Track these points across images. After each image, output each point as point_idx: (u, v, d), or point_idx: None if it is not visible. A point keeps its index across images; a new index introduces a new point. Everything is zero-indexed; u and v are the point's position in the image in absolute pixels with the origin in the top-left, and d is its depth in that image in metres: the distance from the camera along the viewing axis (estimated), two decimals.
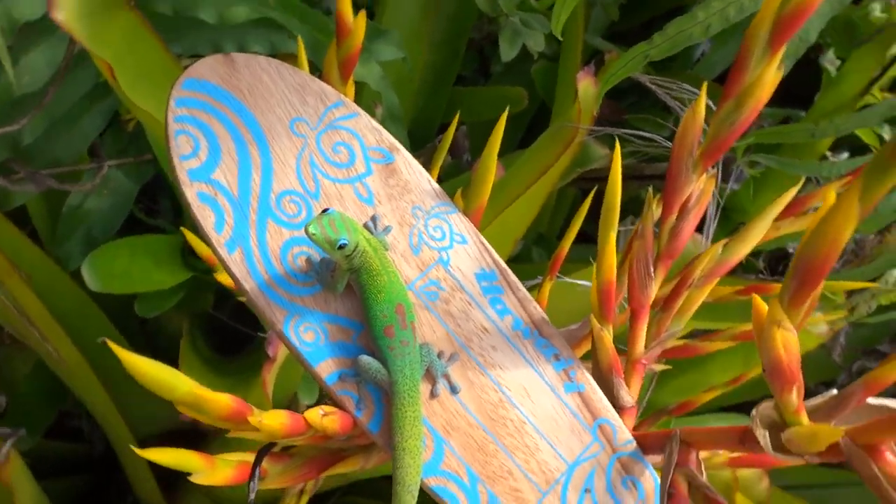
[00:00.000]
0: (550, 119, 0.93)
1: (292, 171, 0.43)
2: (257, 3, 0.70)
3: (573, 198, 1.07)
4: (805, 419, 0.33)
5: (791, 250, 0.94)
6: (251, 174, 0.42)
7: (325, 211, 0.40)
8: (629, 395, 0.48)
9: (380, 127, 0.45)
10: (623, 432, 0.46)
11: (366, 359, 0.41)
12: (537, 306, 0.46)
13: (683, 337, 0.54)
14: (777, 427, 0.32)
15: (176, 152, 0.41)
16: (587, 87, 0.78)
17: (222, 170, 0.42)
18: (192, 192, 0.41)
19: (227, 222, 0.41)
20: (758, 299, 0.31)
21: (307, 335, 0.41)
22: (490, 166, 0.45)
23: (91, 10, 0.67)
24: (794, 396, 0.31)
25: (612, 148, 0.52)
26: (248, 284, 0.41)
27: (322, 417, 0.36)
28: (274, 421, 0.34)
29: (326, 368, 0.41)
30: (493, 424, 0.43)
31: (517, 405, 0.44)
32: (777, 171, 0.84)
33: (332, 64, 0.48)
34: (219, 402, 0.30)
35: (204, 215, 0.41)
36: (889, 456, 0.30)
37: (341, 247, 0.39)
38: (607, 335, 0.46)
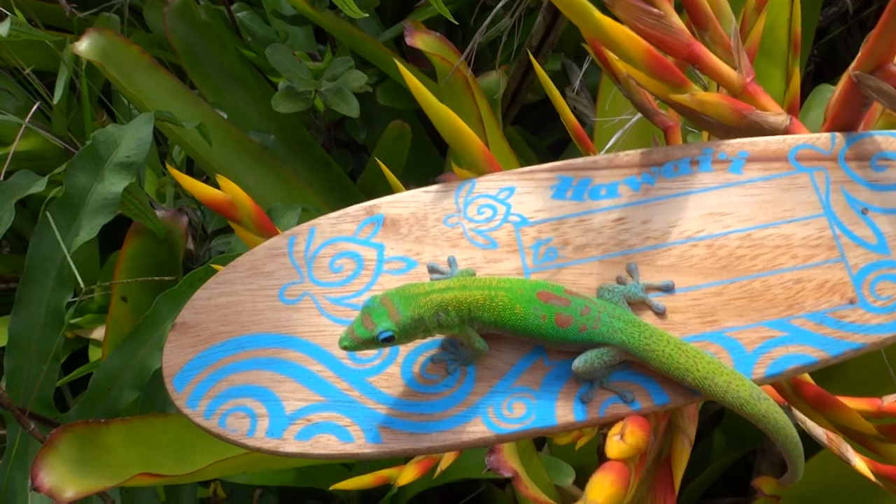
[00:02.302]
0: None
1: (331, 326, 0.35)
2: None
3: None
4: None
5: None
6: (312, 371, 0.34)
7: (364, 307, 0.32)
8: (778, 114, 0.39)
9: (336, 214, 0.37)
10: (819, 138, 0.36)
11: (579, 362, 0.32)
12: (625, 153, 0.37)
13: None
14: None
15: (241, 435, 0.33)
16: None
17: (291, 400, 0.34)
18: (291, 444, 0.33)
19: (347, 426, 0.33)
20: None
21: (517, 410, 0.32)
22: (446, 117, 0.38)
23: None
24: None
25: None
26: (427, 442, 0.32)
27: (623, 440, 0.28)
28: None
29: (565, 413, 0.32)
30: (732, 270, 0.34)
31: (725, 232, 0.35)
32: None
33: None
34: None
35: (322, 443, 0.33)
36: None
37: (386, 339, 0.31)
38: (702, 93, 0.37)
